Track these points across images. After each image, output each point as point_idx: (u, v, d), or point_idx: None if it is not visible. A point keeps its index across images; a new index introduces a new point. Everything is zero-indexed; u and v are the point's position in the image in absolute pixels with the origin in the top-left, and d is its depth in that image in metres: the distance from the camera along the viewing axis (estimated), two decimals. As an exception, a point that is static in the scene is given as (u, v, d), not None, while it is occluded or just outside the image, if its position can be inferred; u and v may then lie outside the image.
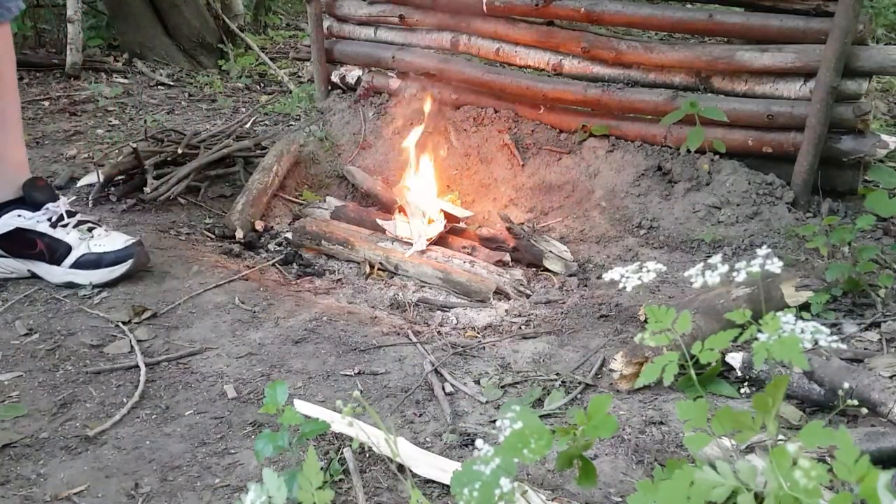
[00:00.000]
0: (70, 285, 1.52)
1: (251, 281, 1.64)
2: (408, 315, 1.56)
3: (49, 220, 1.54)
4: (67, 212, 1.57)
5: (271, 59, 3.64)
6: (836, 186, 1.90)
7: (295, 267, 1.81)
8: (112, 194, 1.98)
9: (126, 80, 3.32)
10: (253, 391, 1.21)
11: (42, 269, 1.54)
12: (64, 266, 1.52)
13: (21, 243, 1.53)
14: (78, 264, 1.52)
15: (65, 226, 1.54)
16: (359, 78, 2.55)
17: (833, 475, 0.59)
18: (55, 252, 1.52)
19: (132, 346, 1.34)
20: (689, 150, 1.93)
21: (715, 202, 1.87)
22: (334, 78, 2.63)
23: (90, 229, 1.57)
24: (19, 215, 1.52)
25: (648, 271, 0.75)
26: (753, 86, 1.91)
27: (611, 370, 1.23)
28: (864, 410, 1.06)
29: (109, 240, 1.55)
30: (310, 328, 1.42)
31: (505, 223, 1.80)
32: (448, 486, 0.75)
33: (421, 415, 1.16)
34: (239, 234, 1.88)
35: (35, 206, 1.54)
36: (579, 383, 1.24)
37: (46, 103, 2.90)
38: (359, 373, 1.28)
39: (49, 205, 1.55)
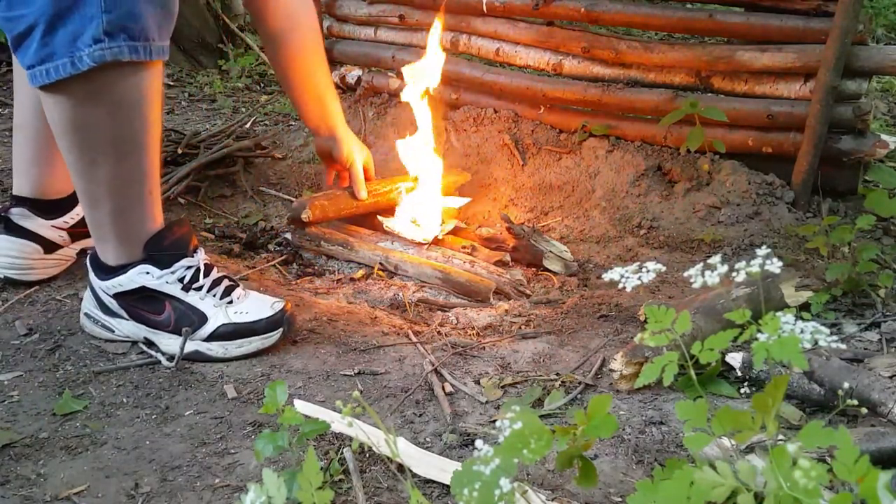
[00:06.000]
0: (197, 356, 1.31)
1: (251, 281, 1.64)
2: (408, 315, 1.56)
3: (181, 280, 1.32)
4: (206, 265, 1.35)
5: (271, 58, 3.63)
6: (836, 186, 1.90)
7: (295, 267, 1.81)
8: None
9: (126, 80, 3.32)
10: (253, 391, 1.22)
11: (163, 339, 1.32)
12: (196, 339, 1.30)
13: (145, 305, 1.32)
14: (215, 336, 1.31)
15: (199, 289, 1.32)
16: (359, 78, 2.55)
17: (833, 475, 0.59)
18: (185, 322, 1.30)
19: (131, 346, 1.34)
20: (689, 150, 1.93)
21: (715, 202, 1.87)
22: (334, 78, 2.63)
23: (228, 291, 1.35)
24: (147, 272, 1.30)
25: (648, 271, 0.75)
26: (753, 86, 1.91)
27: (611, 370, 1.23)
28: (864, 410, 1.06)
29: (252, 305, 1.34)
30: (310, 328, 1.42)
31: (505, 223, 1.80)
32: (448, 486, 0.75)
33: (421, 415, 1.16)
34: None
35: (163, 265, 1.31)
36: (579, 383, 1.24)
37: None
38: (359, 373, 1.28)
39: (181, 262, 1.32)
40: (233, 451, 1.07)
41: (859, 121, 1.79)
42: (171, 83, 3.34)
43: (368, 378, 1.26)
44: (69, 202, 1.54)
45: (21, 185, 1.51)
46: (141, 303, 1.31)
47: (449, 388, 1.23)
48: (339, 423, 1.05)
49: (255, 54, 3.65)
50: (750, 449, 0.96)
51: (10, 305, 1.45)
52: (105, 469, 1.03)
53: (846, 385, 1.09)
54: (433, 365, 1.29)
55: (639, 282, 0.75)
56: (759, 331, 0.65)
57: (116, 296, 1.31)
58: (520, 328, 1.47)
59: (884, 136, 1.84)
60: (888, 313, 1.43)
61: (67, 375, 1.25)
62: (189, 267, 1.32)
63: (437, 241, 1.83)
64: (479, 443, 0.67)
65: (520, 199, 2.10)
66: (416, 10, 2.39)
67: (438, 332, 1.45)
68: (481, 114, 2.29)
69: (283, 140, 2.47)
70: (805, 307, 1.42)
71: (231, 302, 1.33)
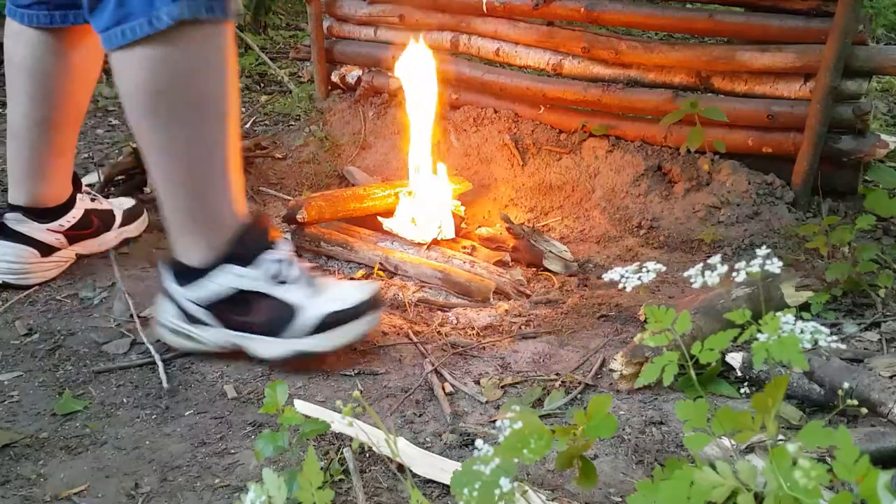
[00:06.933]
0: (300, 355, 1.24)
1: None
2: (408, 315, 1.56)
3: (271, 276, 1.23)
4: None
5: (271, 59, 3.63)
6: (836, 186, 1.90)
7: (295, 267, 1.81)
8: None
9: (126, 80, 3.32)
10: (253, 391, 1.21)
11: (258, 343, 1.24)
12: (295, 336, 1.22)
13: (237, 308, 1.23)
14: (316, 329, 1.23)
15: (289, 282, 1.24)
16: (359, 78, 2.55)
17: (833, 475, 0.59)
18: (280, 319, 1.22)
19: (131, 346, 1.34)
20: (689, 150, 1.93)
21: (715, 202, 1.87)
22: (334, 78, 2.63)
23: (315, 280, 1.27)
24: (236, 273, 1.22)
25: (648, 271, 0.75)
26: (753, 86, 1.91)
27: (611, 370, 1.23)
28: (864, 410, 1.06)
29: (343, 290, 1.27)
30: (310, 328, 1.42)
31: (505, 223, 1.80)
32: (448, 486, 0.75)
33: (421, 415, 1.16)
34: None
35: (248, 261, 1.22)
36: (579, 383, 1.24)
37: (46, 103, 2.90)
38: (359, 373, 1.28)
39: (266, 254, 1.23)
40: (233, 451, 1.07)
41: (859, 121, 1.79)
42: (171, 83, 3.33)
43: (368, 378, 1.26)
44: (65, 207, 1.54)
45: (16, 196, 1.51)
46: (232, 307, 1.23)
47: (449, 388, 1.23)
48: (339, 423, 1.05)
49: (255, 54, 3.65)
50: (750, 449, 0.96)
51: (9, 305, 1.45)
52: (105, 469, 1.03)
53: (846, 385, 1.09)
54: (433, 365, 1.29)
55: (639, 282, 0.75)
56: (759, 331, 0.65)
57: (204, 303, 1.23)
58: (520, 328, 1.47)
59: (884, 136, 1.83)
60: (888, 313, 1.43)
61: (67, 375, 1.25)
62: (275, 260, 1.23)
63: (436, 242, 1.83)
64: (479, 443, 0.67)
65: (520, 199, 2.10)
66: (416, 10, 2.39)
67: (438, 332, 1.45)
68: (481, 114, 2.29)
69: (283, 140, 2.47)
70: (805, 307, 1.42)
71: (321, 292, 1.25)
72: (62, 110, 1.45)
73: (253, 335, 1.24)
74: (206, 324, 1.24)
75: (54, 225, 1.53)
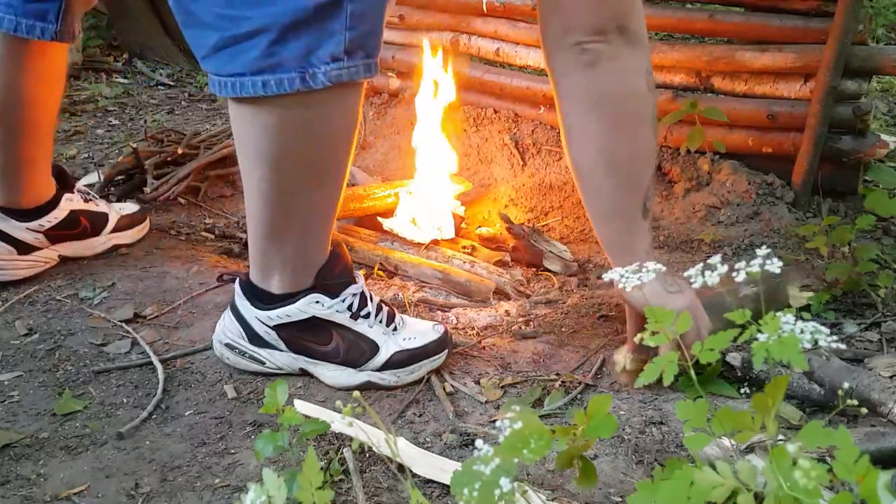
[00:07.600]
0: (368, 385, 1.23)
1: (251, 281, 1.64)
2: (408, 315, 1.55)
3: (349, 308, 1.22)
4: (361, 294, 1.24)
5: (271, 59, 3.64)
6: (836, 186, 1.90)
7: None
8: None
9: (126, 80, 3.32)
10: (253, 391, 1.21)
11: (326, 370, 1.23)
12: (367, 369, 1.23)
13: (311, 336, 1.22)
14: (389, 364, 1.23)
15: (366, 316, 1.23)
16: (359, 78, 2.55)
17: (833, 475, 0.59)
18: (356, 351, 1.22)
19: (131, 347, 1.34)
20: (689, 150, 1.93)
21: (715, 202, 1.87)
22: (334, 78, 2.63)
23: (390, 317, 1.26)
24: (318, 302, 1.19)
25: (648, 271, 0.75)
26: (753, 86, 1.91)
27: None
28: (864, 410, 1.06)
29: (416, 329, 1.28)
30: (310, 328, 1.42)
31: (505, 223, 1.80)
32: (448, 486, 0.75)
33: (421, 415, 1.16)
34: None
35: (332, 294, 1.20)
36: (579, 383, 1.24)
37: (46, 103, 2.90)
38: (359, 373, 1.28)
39: (349, 289, 1.22)
40: (233, 451, 1.07)
41: (859, 121, 1.79)
42: (171, 83, 3.34)
43: (368, 378, 1.26)
44: (46, 208, 1.52)
45: None
46: (306, 333, 1.21)
47: (449, 388, 1.23)
48: (339, 423, 1.05)
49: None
50: (750, 449, 0.96)
51: (9, 305, 1.45)
52: (105, 469, 1.03)
53: (846, 385, 1.09)
54: (433, 365, 1.29)
55: (639, 282, 0.75)
56: (759, 331, 0.65)
57: (277, 327, 1.21)
58: (520, 328, 1.47)
59: (884, 136, 1.84)
60: (888, 313, 1.43)
61: (67, 375, 1.25)
62: (355, 294, 1.22)
63: (436, 242, 1.83)
64: (479, 443, 0.67)
65: (520, 199, 2.10)
66: (416, 10, 2.39)
67: (438, 332, 1.44)
68: (481, 114, 2.29)
69: (283, 140, 2.47)
70: (805, 307, 1.42)
71: (396, 329, 1.25)
72: (15, 130, 1.41)
73: (320, 362, 1.23)
74: (274, 347, 1.23)
75: (34, 224, 1.50)
